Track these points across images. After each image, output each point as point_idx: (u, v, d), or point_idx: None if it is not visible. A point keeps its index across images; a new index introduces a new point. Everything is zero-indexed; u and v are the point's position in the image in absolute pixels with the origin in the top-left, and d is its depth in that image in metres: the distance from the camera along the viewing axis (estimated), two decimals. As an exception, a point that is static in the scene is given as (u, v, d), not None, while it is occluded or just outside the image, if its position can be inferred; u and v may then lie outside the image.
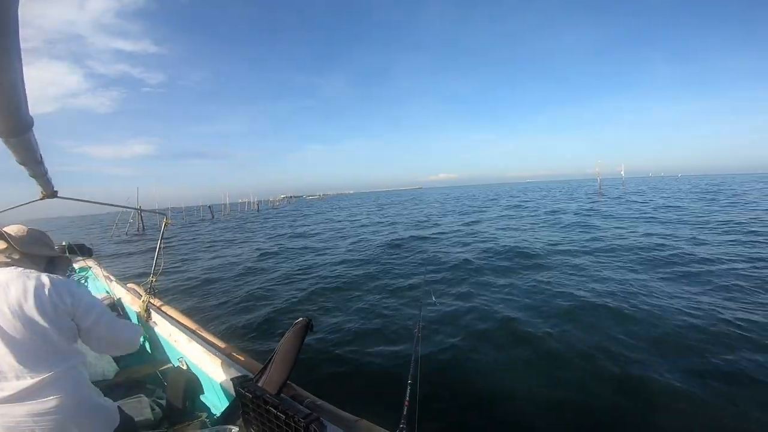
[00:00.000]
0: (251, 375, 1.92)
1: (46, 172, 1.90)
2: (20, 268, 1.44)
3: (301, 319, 1.79)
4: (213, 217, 43.70)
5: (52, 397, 1.31)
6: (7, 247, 1.53)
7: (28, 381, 1.28)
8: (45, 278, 1.39)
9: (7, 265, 1.48)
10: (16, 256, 1.54)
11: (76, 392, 1.39)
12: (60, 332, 1.36)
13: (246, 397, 1.59)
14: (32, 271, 1.44)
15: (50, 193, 2.14)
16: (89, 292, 1.31)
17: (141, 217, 27.91)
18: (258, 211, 54.89)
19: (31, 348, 1.29)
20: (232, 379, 1.64)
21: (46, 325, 1.31)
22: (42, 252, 1.64)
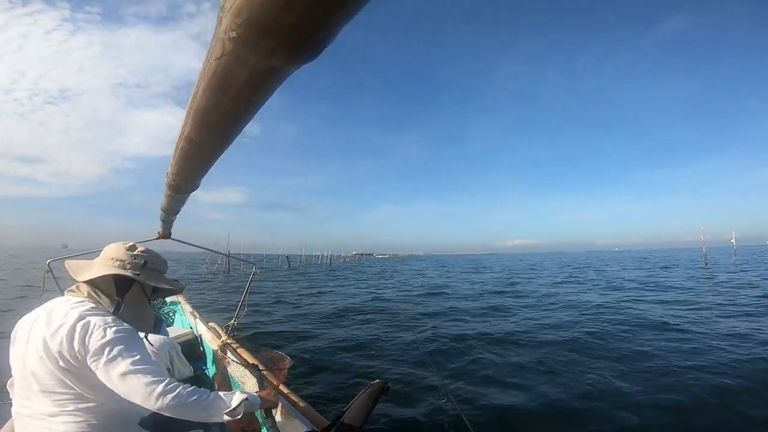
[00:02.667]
0: (317, 429, 1.87)
1: (174, 220, 2.20)
2: (77, 300, 1.34)
3: (377, 381, 1.76)
4: (289, 266, 45.83)
5: (77, 421, 1.27)
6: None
7: (61, 402, 1.26)
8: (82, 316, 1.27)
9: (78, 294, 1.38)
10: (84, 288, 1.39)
11: (99, 422, 1.31)
12: (73, 371, 1.25)
13: None
14: (82, 305, 1.32)
15: (167, 234, 2.47)
16: (126, 338, 1.27)
17: (228, 261, 30.36)
18: (330, 264, 57.09)
19: (57, 379, 1.24)
20: None
21: (60, 362, 1.23)
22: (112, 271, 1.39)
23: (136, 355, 1.25)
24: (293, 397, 2.30)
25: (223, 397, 1.35)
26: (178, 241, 2.59)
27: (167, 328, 4.22)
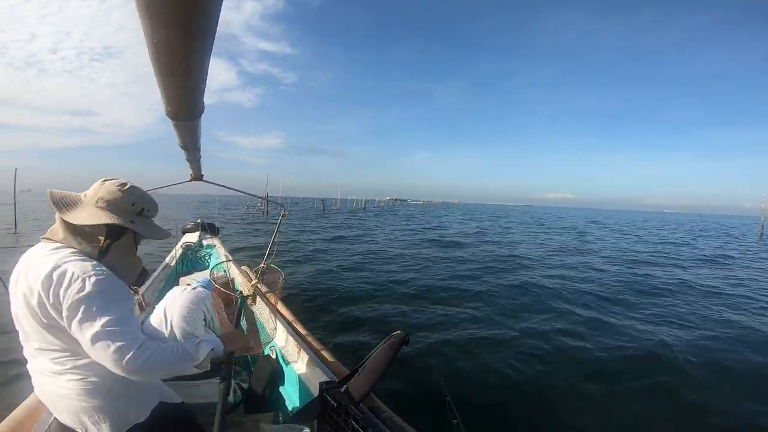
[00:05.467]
0: (336, 379, 1.90)
1: (200, 158, 2.15)
2: (52, 246, 1.20)
3: (398, 332, 1.68)
4: (324, 209, 46.86)
5: (80, 374, 1.22)
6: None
7: (59, 360, 1.21)
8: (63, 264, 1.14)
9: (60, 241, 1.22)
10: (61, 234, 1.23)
11: (100, 378, 1.24)
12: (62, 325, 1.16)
13: (329, 404, 1.55)
14: (59, 251, 1.19)
15: (198, 176, 2.44)
16: (106, 292, 1.14)
17: (267, 204, 31.36)
18: (364, 208, 58.14)
19: (55, 332, 1.17)
20: (320, 383, 1.61)
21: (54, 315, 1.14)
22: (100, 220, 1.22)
23: (111, 316, 1.11)
24: (315, 345, 2.33)
25: (190, 351, 1.26)
26: (209, 182, 2.56)
27: (204, 272, 4.36)
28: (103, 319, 1.09)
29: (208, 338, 1.36)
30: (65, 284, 1.10)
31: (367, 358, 1.74)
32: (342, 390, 1.62)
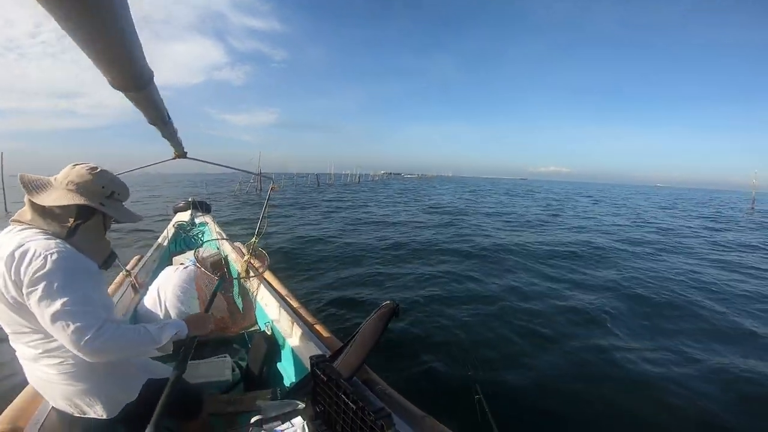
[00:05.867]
0: (329, 353, 1.91)
1: (176, 133, 2.06)
2: (19, 228, 1.20)
3: (388, 302, 1.72)
4: (318, 184, 46.67)
5: (58, 358, 1.21)
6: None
7: (32, 344, 1.20)
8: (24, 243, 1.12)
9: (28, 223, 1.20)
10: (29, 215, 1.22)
11: (78, 360, 1.21)
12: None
13: (319, 378, 1.57)
14: (25, 230, 1.18)
15: (181, 153, 2.35)
16: (67, 269, 1.11)
17: (260, 180, 31.08)
18: (358, 182, 58.69)
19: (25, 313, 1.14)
20: (310, 357, 1.62)
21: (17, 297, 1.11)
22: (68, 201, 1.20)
23: (72, 294, 1.08)
24: (310, 320, 2.34)
25: (153, 333, 1.25)
26: (194, 159, 2.49)
27: (196, 251, 4.34)
28: (64, 298, 1.07)
29: (173, 321, 1.36)
30: (26, 261, 1.08)
31: (358, 331, 1.76)
32: (333, 364, 1.65)
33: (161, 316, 2.48)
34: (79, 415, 1.31)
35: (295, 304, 2.60)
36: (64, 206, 1.20)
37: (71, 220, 1.21)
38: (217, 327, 2.45)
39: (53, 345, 1.19)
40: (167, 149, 2.44)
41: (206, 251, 4.03)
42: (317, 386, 1.61)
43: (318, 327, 2.26)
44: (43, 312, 1.07)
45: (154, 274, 3.16)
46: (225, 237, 4.45)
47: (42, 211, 1.20)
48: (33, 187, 1.22)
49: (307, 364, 2.05)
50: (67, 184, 1.23)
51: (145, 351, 1.26)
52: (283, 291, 2.81)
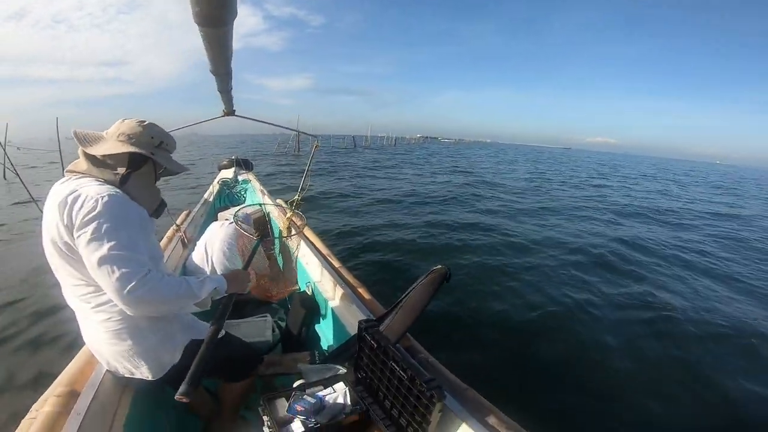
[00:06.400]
0: (372, 317, 1.84)
1: (231, 89, 2.01)
2: (74, 177, 1.22)
3: (439, 266, 1.63)
4: (355, 146, 46.60)
5: (106, 313, 1.22)
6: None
7: (84, 297, 1.21)
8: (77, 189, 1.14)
9: (82, 175, 1.23)
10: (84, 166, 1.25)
11: (125, 316, 1.22)
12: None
13: (368, 343, 1.50)
14: (80, 179, 1.20)
15: (230, 111, 2.33)
16: (118, 213, 1.11)
17: (298, 140, 31.44)
18: (394, 145, 57.95)
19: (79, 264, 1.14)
20: (359, 321, 1.55)
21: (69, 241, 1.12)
22: (118, 149, 1.23)
23: (121, 238, 1.07)
24: (352, 282, 2.28)
25: (193, 287, 1.22)
26: (242, 117, 2.47)
27: (237, 211, 4.43)
28: (112, 242, 1.06)
29: (213, 276, 1.34)
30: (78, 205, 1.08)
31: (406, 295, 1.67)
32: (380, 329, 1.56)
33: (208, 272, 2.51)
34: (129, 376, 1.33)
35: (336, 264, 2.54)
36: (116, 155, 1.23)
37: (123, 168, 1.24)
38: (257, 292, 2.42)
39: (103, 299, 1.19)
40: (214, 110, 2.42)
41: (249, 208, 4.08)
42: (362, 351, 1.56)
43: (360, 290, 2.20)
44: (91, 255, 1.06)
45: (202, 230, 3.23)
46: (267, 194, 4.48)
47: (95, 161, 1.23)
48: (86, 140, 1.25)
49: (348, 327, 2.04)
50: (118, 136, 1.26)
51: (184, 305, 1.23)
52: (324, 251, 2.76)
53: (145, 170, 1.30)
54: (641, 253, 6.82)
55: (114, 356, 1.30)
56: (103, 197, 1.09)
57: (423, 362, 1.58)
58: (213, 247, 2.61)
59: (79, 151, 1.25)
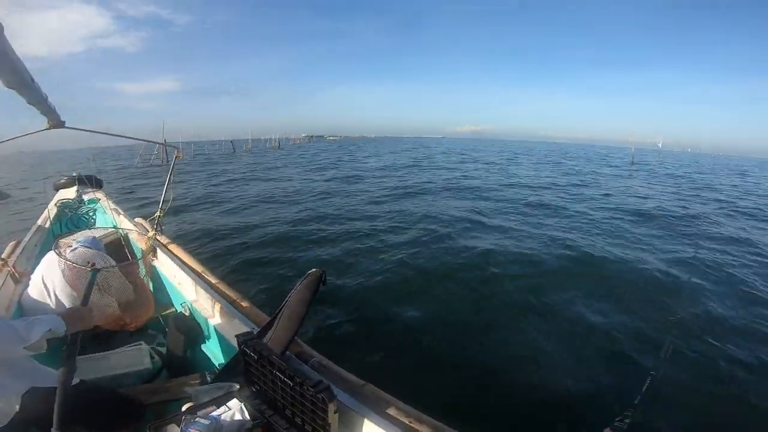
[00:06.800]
0: (257, 329, 1.78)
1: (46, 99, 1.70)
2: None
3: (314, 270, 1.63)
4: (234, 151, 43.87)
5: None
6: None
7: None
8: None
9: None
10: None
11: None
12: None
13: (250, 356, 1.46)
14: None
15: (57, 122, 1.97)
16: None
17: (165, 149, 28.26)
18: (279, 147, 55.69)
19: None
20: (236, 336, 1.51)
21: None
22: None
23: None
24: (231, 295, 2.16)
25: (19, 331, 1.14)
26: (75, 128, 2.12)
27: (88, 231, 3.78)
28: None
29: (45, 317, 1.25)
30: None
31: (285, 303, 1.65)
32: (263, 340, 1.54)
33: (53, 307, 2.18)
34: None
35: (212, 279, 2.38)
36: None
37: None
38: (109, 325, 2.16)
39: None
40: (39, 121, 2.01)
41: (97, 231, 3.52)
42: (249, 365, 1.50)
43: (242, 303, 2.10)
44: None
45: (37, 261, 2.70)
46: (123, 213, 3.91)
47: None
48: None
49: (234, 342, 1.91)
50: None
51: (10, 350, 1.15)
52: (198, 267, 2.55)
53: None
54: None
55: None
56: None
57: (315, 365, 1.61)
58: (54, 280, 2.24)
59: None
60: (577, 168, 25.28)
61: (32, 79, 1.38)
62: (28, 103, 1.67)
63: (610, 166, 28.71)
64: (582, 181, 17.41)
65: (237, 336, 1.50)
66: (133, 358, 2.15)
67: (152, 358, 2.23)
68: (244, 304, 2.08)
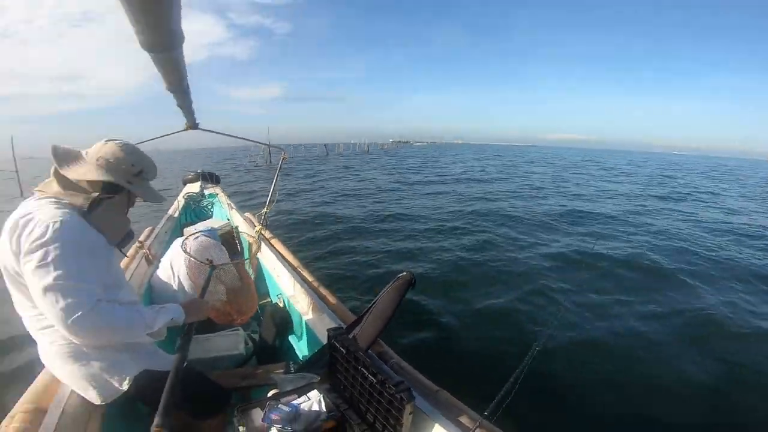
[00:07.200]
0: (343, 325, 1.86)
1: (191, 104, 1.98)
2: (39, 197, 1.18)
3: (404, 273, 1.66)
4: (327, 154, 46.58)
5: (50, 337, 1.20)
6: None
7: (33, 319, 1.18)
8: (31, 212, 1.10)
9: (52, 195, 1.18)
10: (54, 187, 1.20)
11: (69, 340, 1.17)
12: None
13: (338, 351, 1.53)
14: (41, 201, 1.15)
15: (193, 124, 2.29)
16: (69, 242, 1.06)
17: (269, 151, 31.20)
18: (368, 151, 57.87)
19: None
20: (328, 330, 1.58)
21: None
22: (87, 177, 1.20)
23: (67, 267, 1.03)
24: (323, 291, 2.31)
25: (146, 318, 1.20)
26: (206, 130, 2.43)
27: (207, 221, 4.26)
28: (58, 271, 1.01)
29: (170, 307, 1.31)
30: (27, 229, 1.04)
31: (374, 303, 1.70)
32: (350, 336, 1.62)
33: (175, 288, 2.45)
34: (83, 395, 1.30)
35: (307, 275, 2.55)
36: (91, 181, 1.20)
37: (96, 195, 1.19)
38: (221, 320, 2.30)
39: (47, 323, 1.15)
40: (177, 123, 2.36)
41: (216, 223, 3.98)
42: (334, 359, 1.58)
43: (331, 299, 2.22)
44: (36, 283, 1.02)
45: (167, 246, 3.15)
46: (235, 207, 4.40)
47: (68, 184, 1.19)
48: (63, 158, 1.20)
49: (321, 336, 2.05)
50: (97, 159, 1.22)
51: (136, 336, 1.21)
52: (295, 262, 2.75)
53: (117, 200, 1.26)
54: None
55: (65, 377, 1.28)
56: (54, 222, 1.05)
57: (394, 367, 1.63)
58: (179, 265, 2.53)
59: (52, 170, 1.20)
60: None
61: (188, 85, 1.63)
62: (178, 106, 1.97)
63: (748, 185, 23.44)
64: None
65: (328, 330, 1.58)
66: (230, 343, 2.26)
67: (246, 344, 2.32)
68: (333, 301, 2.20)
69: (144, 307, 1.24)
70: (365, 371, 1.39)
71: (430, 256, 6.11)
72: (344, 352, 1.50)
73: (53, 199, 1.15)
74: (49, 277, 1.01)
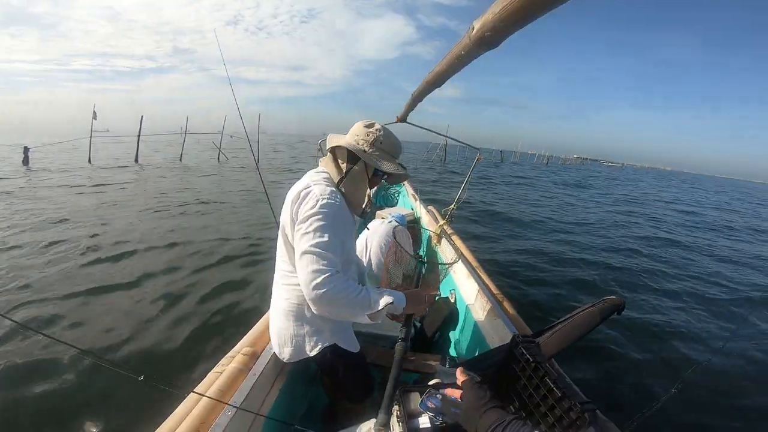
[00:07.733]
0: (517, 333, 1.81)
1: (419, 103, 2.15)
2: (318, 169, 1.42)
3: (614, 297, 1.57)
4: (502, 161, 45.24)
5: (288, 292, 1.40)
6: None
7: (282, 274, 1.41)
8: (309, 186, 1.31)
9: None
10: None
11: (296, 302, 1.39)
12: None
13: (522, 356, 1.40)
14: (318, 174, 1.38)
15: (403, 117, 2.49)
16: (330, 215, 1.23)
17: (445, 149, 32.22)
18: (547, 164, 53.97)
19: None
20: (514, 335, 1.50)
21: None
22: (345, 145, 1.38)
23: (325, 239, 1.19)
24: (498, 294, 2.28)
25: (371, 298, 1.22)
26: (411, 124, 2.60)
27: (394, 209, 4.59)
28: (320, 239, 1.18)
29: (392, 292, 1.28)
30: (305, 201, 1.26)
31: (569, 318, 1.62)
32: (535, 343, 1.49)
33: (365, 262, 2.68)
34: (276, 351, 1.51)
35: (483, 275, 2.55)
36: (339, 150, 1.39)
37: (344, 164, 1.37)
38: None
39: (294, 281, 1.34)
40: (377, 116, 2.57)
41: (404, 210, 4.30)
42: (514, 363, 1.51)
43: (505, 304, 2.17)
44: (300, 245, 1.20)
45: (362, 224, 3.60)
46: (419, 199, 4.70)
47: (331, 158, 1.41)
48: (331, 139, 1.42)
49: (488, 338, 2.02)
50: (350, 135, 1.40)
51: (360, 313, 1.21)
52: (473, 261, 2.79)
53: (357, 169, 1.36)
54: None
55: (276, 330, 1.48)
56: (323, 198, 1.24)
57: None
58: (372, 242, 2.86)
59: (327, 147, 1.43)
60: None
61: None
62: (412, 97, 2.05)
63: None
64: None
65: (515, 335, 1.54)
66: (394, 324, 2.18)
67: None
68: (507, 305, 2.14)
69: (369, 287, 1.27)
70: (550, 383, 1.29)
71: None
72: (531, 360, 1.39)
73: (325, 175, 1.37)
74: (312, 241, 1.18)
